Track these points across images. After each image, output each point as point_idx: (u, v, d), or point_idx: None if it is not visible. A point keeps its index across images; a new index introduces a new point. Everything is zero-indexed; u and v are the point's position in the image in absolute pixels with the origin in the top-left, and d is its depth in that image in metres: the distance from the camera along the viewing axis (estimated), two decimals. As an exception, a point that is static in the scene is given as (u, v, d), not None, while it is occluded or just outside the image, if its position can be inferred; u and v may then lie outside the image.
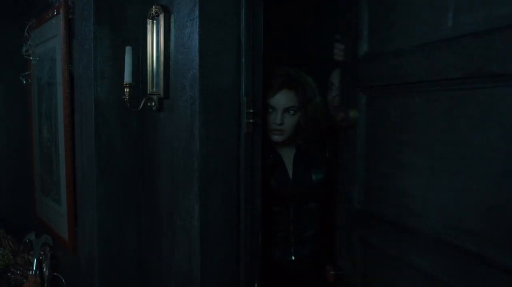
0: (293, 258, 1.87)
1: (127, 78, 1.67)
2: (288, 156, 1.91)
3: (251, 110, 1.51)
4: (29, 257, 2.50)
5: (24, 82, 2.67)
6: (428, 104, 1.07)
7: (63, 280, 2.40)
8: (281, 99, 1.77)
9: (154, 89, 1.75)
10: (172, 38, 1.63)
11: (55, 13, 2.11)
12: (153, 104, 1.74)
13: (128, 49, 1.67)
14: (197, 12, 1.43)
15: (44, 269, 2.41)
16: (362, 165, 1.35)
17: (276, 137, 1.80)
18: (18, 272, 2.47)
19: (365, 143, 1.34)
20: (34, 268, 2.39)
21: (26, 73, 2.65)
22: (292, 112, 1.79)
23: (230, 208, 1.54)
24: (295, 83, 1.79)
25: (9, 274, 2.48)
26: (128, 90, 1.67)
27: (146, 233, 1.92)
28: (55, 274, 2.43)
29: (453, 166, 1.00)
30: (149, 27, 1.73)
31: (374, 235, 1.31)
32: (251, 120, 1.51)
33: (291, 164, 1.90)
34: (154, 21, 1.70)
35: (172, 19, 1.63)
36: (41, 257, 2.44)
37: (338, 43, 1.65)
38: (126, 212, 1.92)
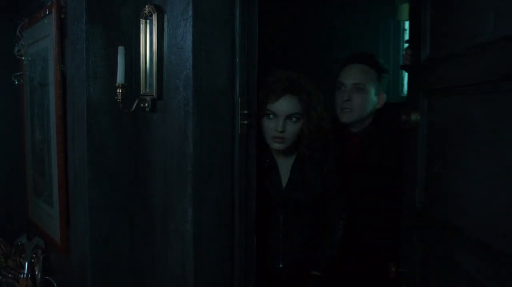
0: (281, 265, 1.84)
1: (120, 78, 1.64)
2: (285, 163, 1.83)
3: (246, 111, 1.48)
4: (21, 260, 2.47)
5: (16, 82, 2.63)
6: (483, 106, 1.08)
7: (55, 284, 2.36)
8: (284, 105, 1.68)
9: (148, 90, 1.72)
10: (166, 38, 1.60)
11: (47, 12, 2.08)
12: (146, 105, 1.71)
13: (120, 49, 1.64)
14: (190, 12, 1.41)
15: (36, 272, 2.38)
16: (423, 167, 1.37)
17: (277, 145, 1.71)
18: (9, 275, 2.43)
19: (426, 145, 1.36)
20: (26, 271, 2.35)
21: (18, 73, 2.62)
22: (294, 119, 1.69)
23: (224, 211, 1.51)
24: (298, 88, 1.69)
25: (0, 277, 2.44)
26: (120, 90, 1.64)
27: (140, 235, 1.89)
28: (47, 277, 2.39)
29: (505, 168, 0.99)
30: (142, 27, 1.70)
31: (431, 236, 1.33)
32: (245, 122, 1.48)
33: (288, 172, 1.83)
34: (147, 20, 1.68)
35: (165, 19, 1.60)
36: (33, 260, 2.40)
37: (407, 49, 1.67)
38: (119, 214, 1.89)
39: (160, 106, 1.67)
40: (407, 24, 3.58)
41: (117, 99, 1.65)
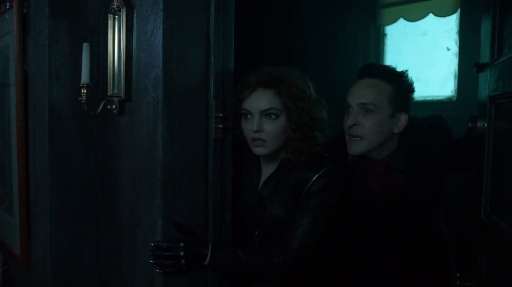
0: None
1: (84, 77, 1.51)
2: (266, 173, 1.57)
3: (221, 114, 1.38)
4: (-21, 274, 2.29)
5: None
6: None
7: (15, 300, 2.19)
8: (257, 99, 1.42)
9: (115, 91, 1.59)
10: (135, 34, 1.48)
11: (8, 7, 1.93)
12: (114, 107, 1.59)
13: (85, 46, 1.51)
14: (161, 5, 1.30)
15: (-5, 287, 2.20)
16: (489, 177, 1.28)
17: (258, 150, 1.44)
18: (-35, 290, 2.25)
19: (492, 154, 1.27)
20: (-17, 286, 2.17)
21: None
22: (273, 116, 1.42)
23: (197, 222, 1.40)
24: (276, 80, 1.42)
25: (-45, 293, 2.25)
26: (85, 91, 1.51)
27: (107, 248, 1.75)
28: (7, 292, 2.22)
29: None
30: (110, 22, 1.58)
31: (496, 251, 1.24)
32: (220, 125, 1.38)
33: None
34: (116, 16, 1.56)
35: (135, 14, 1.49)
36: (-9, 274, 2.22)
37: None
38: (84, 225, 1.75)
39: (129, 109, 1.54)
40: (388, 29, 3.55)
41: (81, 100, 1.51)
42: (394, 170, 1.63)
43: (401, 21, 3.35)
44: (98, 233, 1.78)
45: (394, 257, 1.69)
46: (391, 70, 1.62)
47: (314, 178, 1.42)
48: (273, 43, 3.05)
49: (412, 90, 1.62)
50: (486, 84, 1.33)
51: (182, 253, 1.29)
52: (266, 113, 1.42)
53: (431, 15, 3.18)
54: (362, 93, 1.58)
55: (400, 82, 1.60)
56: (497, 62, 1.25)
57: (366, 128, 1.56)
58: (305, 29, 3.32)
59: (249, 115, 1.45)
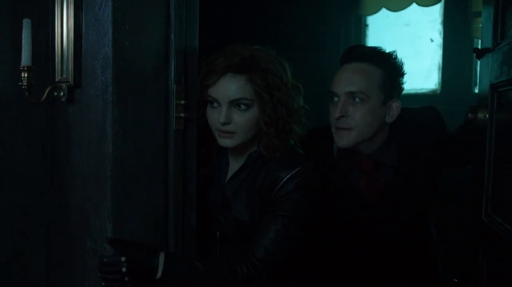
0: None
1: (25, 59, 1.29)
2: (233, 168, 1.38)
3: (183, 102, 1.19)
4: None
5: None
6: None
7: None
8: (225, 87, 1.21)
9: (64, 76, 1.38)
10: (84, 8, 1.28)
11: None
12: (62, 94, 1.38)
13: (26, 22, 1.29)
14: (110, -28, 1.10)
15: None
16: (490, 174, 1.15)
17: (224, 141, 1.24)
18: None
19: (494, 148, 1.14)
20: None
21: None
22: (243, 106, 1.21)
23: (155, 226, 1.22)
24: (249, 64, 1.21)
25: None
26: (26, 75, 1.29)
27: (57, 256, 1.54)
28: None
29: None
30: (57, -3, 1.37)
31: (497, 254, 1.14)
32: (182, 115, 1.20)
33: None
34: (64, -12, 1.35)
35: (84, -14, 1.28)
36: None
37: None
38: (31, 229, 1.54)
39: (79, 96, 1.34)
40: (369, 19, 3.42)
41: (21, 85, 1.30)
42: (384, 166, 1.47)
43: (384, 11, 3.26)
44: (49, 238, 1.57)
45: (380, 260, 1.54)
46: (379, 52, 1.45)
47: (284, 179, 1.22)
48: (249, 27, 2.86)
49: (402, 73, 1.46)
50: (487, 71, 1.19)
51: (124, 270, 1.08)
52: (235, 103, 1.21)
53: (414, 5, 3.09)
54: (350, 80, 1.40)
55: (389, 65, 1.43)
56: (501, 45, 1.10)
57: (356, 119, 1.39)
58: (284, 17, 3.15)
59: (215, 103, 1.24)
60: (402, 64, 1.45)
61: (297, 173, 1.22)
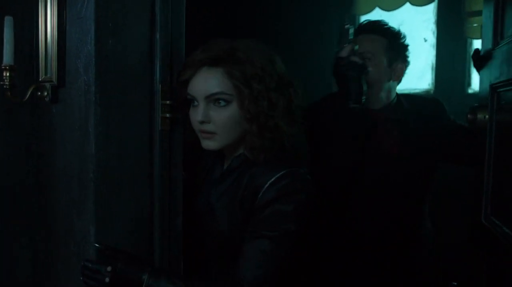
0: None
1: (7, 58, 1.26)
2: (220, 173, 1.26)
3: (168, 102, 1.16)
4: None
5: None
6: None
7: None
8: (200, 82, 1.10)
9: (48, 75, 1.35)
10: (67, 6, 1.25)
11: None
12: (46, 94, 1.35)
13: (8, 20, 1.27)
14: (93, -31, 1.07)
15: None
16: (490, 175, 1.13)
17: (207, 143, 1.13)
18: None
19: (494, 150, 1.12)
20: None
21: None
22: (222, 102, 1.09)
23: (140, 230, 1.18)
24: (227, 57, 1.09)
25: None
26: (8, 74, 1.26)
27: (43, 260, 1.51)
28: None
29: None
30: (40, -6, 1.34)
31: (497, 258, 1.11)
32: (167, 115, 1.16)
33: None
34: (47, -14, 1.32)
35: (68, -17, 1.25)
36: None
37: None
38: (16, 232, 1.51)
39: (63, 96, 1.31)
40: (363, 19, 3.38)
41: (3, 85, 1.27)
42: (392, 122, 1.67)
43: (377, 10, 3.22)
44: (34, 242, 1.54)
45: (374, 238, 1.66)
46: (383, 24, 1.71)
47: (266, 186, 1.07)
48: (241, 25, 2.83)
49: (403, 37, 1.72)
50: (487, 72, 1.17)
51: (107, 280, 1.03)
52: (213, 99, 1.09)
53: (407, 5, 3.05)
54: (360, 46, 1.62)
55: (392, 33, 1.69)
56: (501, 45, 1.09)
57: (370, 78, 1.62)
58: (278, 15, 3.13)
59: (195, 101, 1.12)
60: (402, 33, 1.72)
61: (279, 178, 1.07)
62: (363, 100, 1.55)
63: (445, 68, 2.89)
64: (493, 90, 1.13)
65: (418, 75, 3.05)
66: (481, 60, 1.23)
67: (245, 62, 1.08)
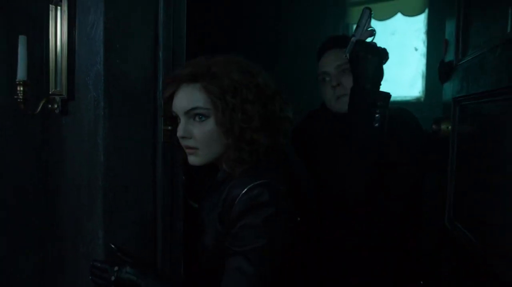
0: None
1: (21, 74, 1.37)
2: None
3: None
4: None
5: None
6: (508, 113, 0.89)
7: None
8: (179, 98, 1.11)
9: (57, 89, 1.45)
10: (77, 26, 1.35)
11: None
12: (56, 106, 1.45)
13: (22, 39, 1.37)
14: (102, -5, 1.17)
15: None
16: (452, 182, 1.21)
17: (191, 159, 1.13)
18: None
19: (456, 158, 1.20)
20: None
21: None
22: (201, 117, 1.09)
23: (144, 233, 1.28)
24: (203, 72, 1.08)
25: None
26: (21, 88, 1.37)
27: (51, 261, 1.60)
28: None
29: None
30: (51, 14, 1.44)
31: (457, 260, 1.18)
32: (169, 127, 1.26)
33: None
34: (58, 6, 1.42)
35: (77, 4, 1.35)
36: None
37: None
38: (25, 236, 1.60)
39: (72, 109, 1.41)
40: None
41: (17, 99, 1.37)
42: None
43: (370, 20, 3.30)
44: (43, 245, 1.63)
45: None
46: (344, 38, 1.67)
47: (237, 200, 1.03)
48: (233, 38, 2.93)
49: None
50: (450, 85, 1.27)
51: (113, 278, 1.12)
52: (192, 114, 1.10)
53: (399, 15, 3.15)
54: (337, 58, 1.60)
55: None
56: (462, 62, 1.18)
57: (350, 84, 1.53)
58: (271, 25, 3.21)
59: (178, 118, 1.13)
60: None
61: (249, 189, 1.02)
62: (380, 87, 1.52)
63: (435, 76, 2.97)
64: (455, 102, 1.21)
65: (409, 83, 3.16)
66: (445, 73, 1.32)
67: (222, 76, 1.07)
